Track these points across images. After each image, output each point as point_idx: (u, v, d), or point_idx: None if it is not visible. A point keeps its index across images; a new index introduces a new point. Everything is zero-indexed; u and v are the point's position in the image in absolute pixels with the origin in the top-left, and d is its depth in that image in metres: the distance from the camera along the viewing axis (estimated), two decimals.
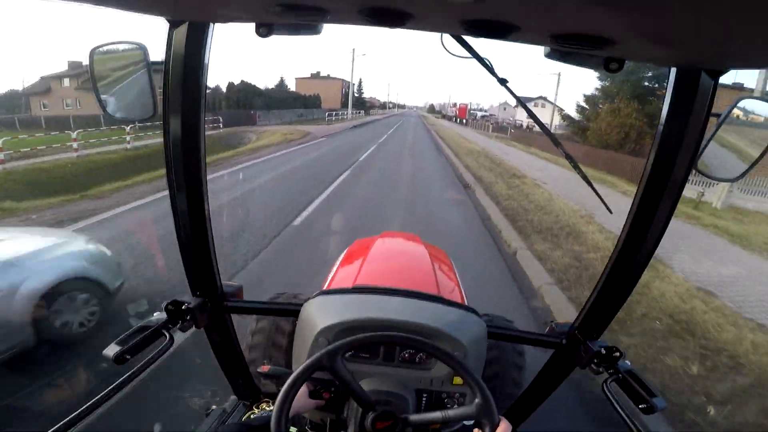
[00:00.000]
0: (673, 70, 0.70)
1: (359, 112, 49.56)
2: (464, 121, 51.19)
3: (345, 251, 1.94)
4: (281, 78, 55.17)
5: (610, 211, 0.88)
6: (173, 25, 0.74)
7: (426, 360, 0.96)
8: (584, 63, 0.69)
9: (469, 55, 0.73)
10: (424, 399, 0.93)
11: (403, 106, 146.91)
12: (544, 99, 58.45)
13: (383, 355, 0.96)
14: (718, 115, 0.73)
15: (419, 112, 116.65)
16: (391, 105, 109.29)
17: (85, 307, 2.45)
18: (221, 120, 20.72)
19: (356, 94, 63.49)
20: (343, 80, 63.38)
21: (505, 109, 64.00)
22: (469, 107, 55.30)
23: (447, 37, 0.72)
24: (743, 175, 0.74)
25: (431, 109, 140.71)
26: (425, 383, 0.94)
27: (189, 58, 0.75)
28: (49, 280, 2.25)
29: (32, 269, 2.21)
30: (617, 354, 0.91)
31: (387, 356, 0.96)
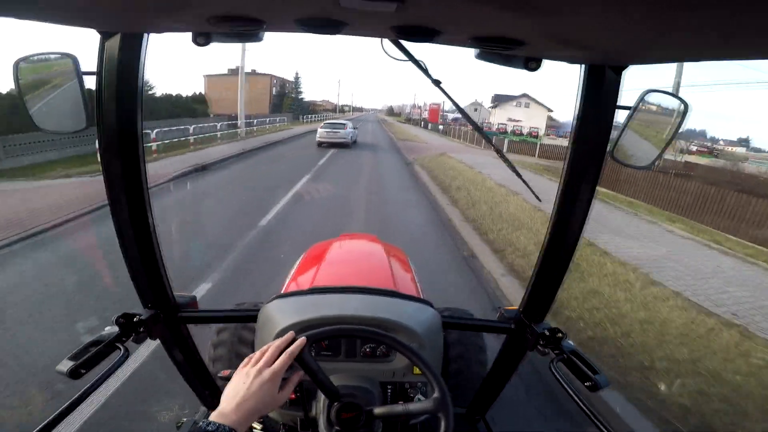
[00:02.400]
0: (583, 67, 1.02)
1: (282, 120, 41.00)
2: (439, 127, 48.29)
3: (302, 255, 2.31)
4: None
5: (539, 199, 1.21)
6: (105, 36, 0.93)
7: (387, 353, 1.21)
8: (507, 62, 0.99)
9: (405, 58, 1.02)
10: (389, 390, 1.17)
11: (360, 109, 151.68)
12: (528, 97, 62.84)
13: (345, 352, 1.20)
14: (626, 108, 1.07)
15: (378, 115, 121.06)
16: (346, 108, 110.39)
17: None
18: None
19: (293, 94, 64.09)
20: (272, 76, 63.14)
21: (476, 109, 66.90)
22: (442, 108, 56.10)
23: (387, 41, 0.97)
24: (654, 162, 1.08)
25: (390, 111, 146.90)
26: (388, 375, 1.18)
27: (123, 68, 0.95)
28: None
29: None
30: (560, 335, 1.21)
31: (349, 352, 1.21)
